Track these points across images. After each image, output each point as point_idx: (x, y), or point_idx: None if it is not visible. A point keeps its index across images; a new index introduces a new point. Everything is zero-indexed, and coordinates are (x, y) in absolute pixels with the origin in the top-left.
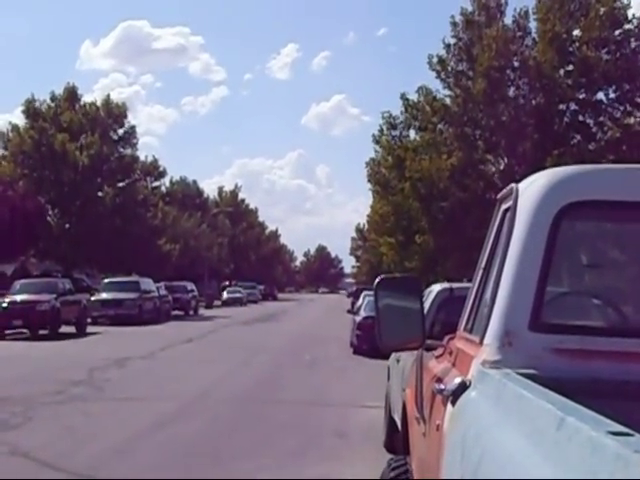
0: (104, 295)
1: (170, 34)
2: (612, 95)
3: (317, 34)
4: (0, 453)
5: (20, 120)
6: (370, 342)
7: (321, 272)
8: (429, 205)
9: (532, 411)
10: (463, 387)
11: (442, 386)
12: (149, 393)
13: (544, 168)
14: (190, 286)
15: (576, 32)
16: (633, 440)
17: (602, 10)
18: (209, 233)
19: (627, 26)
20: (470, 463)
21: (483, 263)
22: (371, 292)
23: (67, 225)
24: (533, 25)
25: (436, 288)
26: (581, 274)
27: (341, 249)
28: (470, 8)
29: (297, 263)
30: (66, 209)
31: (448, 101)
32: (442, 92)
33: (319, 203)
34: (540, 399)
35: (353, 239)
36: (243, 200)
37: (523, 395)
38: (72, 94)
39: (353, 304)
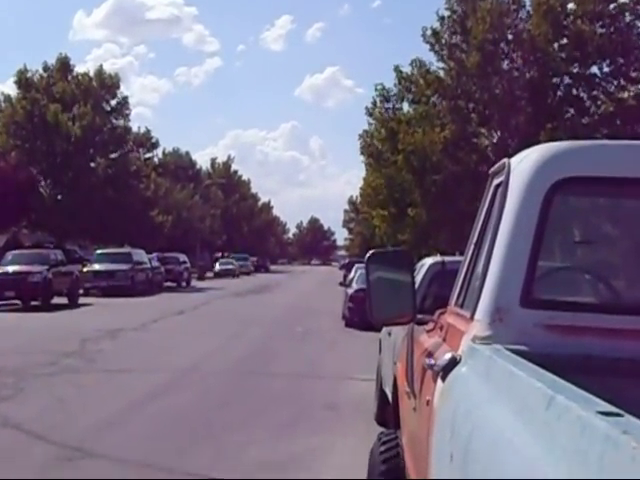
0: (96, 266)
1: (163, 4)
2: (606, 69)
3: (311, 5)
4: None
5: (12, 90)
6: (362, 315)
7: (314, 244)
8: (422, 178)
9: (522, 389)
10: (453, 363)
11: (432, 361)
12: (141, 365)
13: (537, 142)
14: (182, 257)
15: (570, 5)
16: (622, 421)
17: None
18: (202, 204)
19: (622, 0)
20: (460, 439)
21: (475, 238)
22: (363, 265)
23: (59, 196)
24: None
25: (428, 262)
26: (573, 250)
27: (334, 221)
28: None
29: (290, 235)
30: (58, 180)
31: (442, 74)
32: (436, 65)
33: (312, 175)
34: (530, 377)
35: (346, 211)
36: (236, 171)
37: (513, 372)
38: (65, 65)
39: (345, 276)
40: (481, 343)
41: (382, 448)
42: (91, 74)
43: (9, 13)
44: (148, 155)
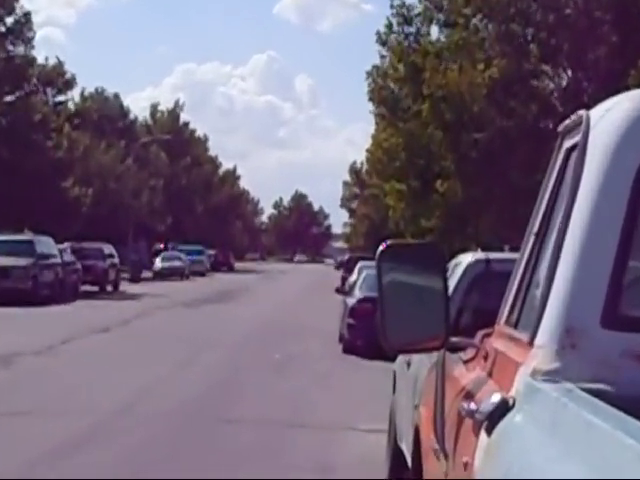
0: None
1: None
2: None
3: None
4: None
5: None
6: (368, 335)
7: (299, 232)
8: (457, 136)
9: (604, 446)
10: (504, 408)
11: (473, 406)
12: (46, 405)
13: (626, 86)
14: (108, 249)
15: None
16: None
17: None
18: (137, 171)
19: None
20: None
21: (536, 227)
22: (371, 263)
23: None
24: None
25: (465, 259)
26: None
27: (328, 199)
28: None
29: (264, 218)
30: None
31: None
32: None
33: (297, 130)
34: (616, 429)
35: (346, 184)
36: (187, 124)
37: (591, 422)
38: None
39: (344, 280)
40: (545, 380)
41: None
42: None
43: None
44: (60, 98)
